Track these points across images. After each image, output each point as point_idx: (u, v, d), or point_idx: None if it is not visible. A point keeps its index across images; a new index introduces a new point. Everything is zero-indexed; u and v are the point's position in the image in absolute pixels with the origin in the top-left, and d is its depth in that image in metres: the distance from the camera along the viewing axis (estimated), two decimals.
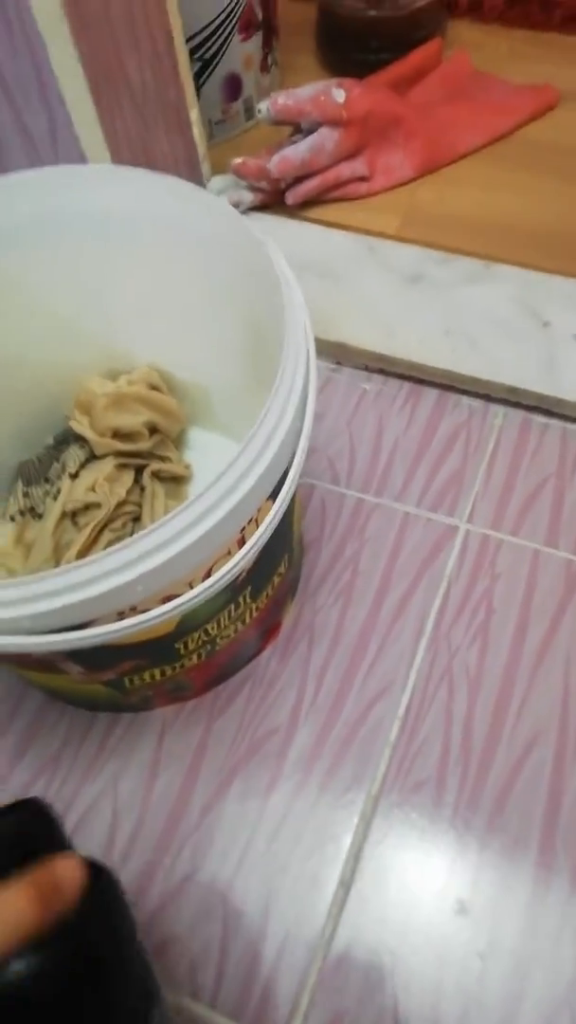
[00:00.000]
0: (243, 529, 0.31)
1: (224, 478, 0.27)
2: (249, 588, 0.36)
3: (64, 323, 0.42)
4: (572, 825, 0.38)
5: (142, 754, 0.41)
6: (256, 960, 0.35)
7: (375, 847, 0.38)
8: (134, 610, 0.29)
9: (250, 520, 0.31)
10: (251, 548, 0.31)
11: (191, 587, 0.30)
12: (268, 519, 0.31)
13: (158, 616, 0.29)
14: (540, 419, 0.49)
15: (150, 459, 0.47)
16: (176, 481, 0.48)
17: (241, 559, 0.30)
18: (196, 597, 0.30)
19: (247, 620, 0.38)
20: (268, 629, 0.43)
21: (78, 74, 0.41)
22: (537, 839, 0.37)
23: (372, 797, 0.39)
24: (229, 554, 0.31)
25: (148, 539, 0.26)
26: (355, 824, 0.38)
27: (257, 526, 0.31)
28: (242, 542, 0.31)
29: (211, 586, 0.30)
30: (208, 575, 0.31)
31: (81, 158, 0.46)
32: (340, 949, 0.36)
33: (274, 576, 0.39)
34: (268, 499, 0.31)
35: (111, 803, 0.39)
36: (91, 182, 0.36)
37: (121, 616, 0.29)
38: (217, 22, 0.55)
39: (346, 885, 0.37)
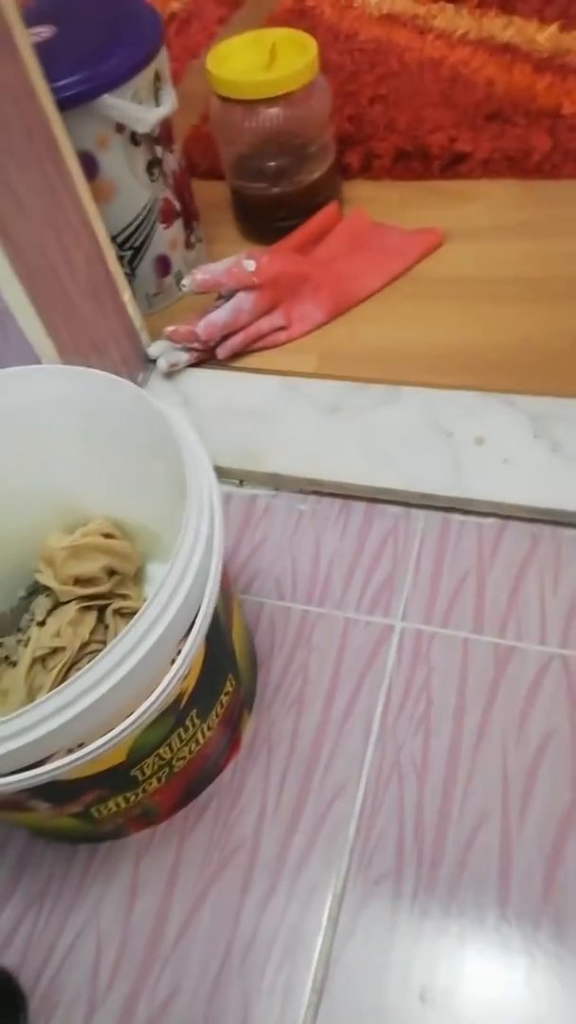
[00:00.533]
0: (173, 659, 0.35)
1: (141, 620, 0.32)
2: (195, 710, 0.40)
3: (24, 492, 0.49)
4: (523, 898, 0.40)
5: (120, 881, 0.43)
6: None
7: (343, 946, 0.40)
8: (82, 745, 0.34)
9: (177, 651, 0.35)
10: (174, 676, 0.35)
11: (129, 716, 0.35)
12: (187, 648, 0.36)
13: (102, 747, 0.33)
14: (457, 517, 0.55)
15: (112, 598, 0.52)
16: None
17: (165, 688, 0.34)
18: (132, 726, 0.34)
19: (200, 740, 0.42)
20: (228, 745, 0.47)
21: (16, 288, 0.49)
22: (492, 918, 0.39)
23: (337, 896, 0.41)
24: (159, 683, 0.36)
25: (79, 682, 0.31)
26: (323, 925, 0.41)
27: (180, 655, 0.36)
28: (172, 665, 0.36)
29: (144, 713, 0.34)
30: (143, 702, 0.35)
31: (29, 349, 0.54)
32: None
33: (221, 695, 0.43)
34: (186, 635, 0.35)
35: (95, 931, 0.42)
36: (26, 381, 0.43)
37: (71, 751, 0.33)
38: (140, 219, 0.64)
39: (319, 990, 0.39)
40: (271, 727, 0.48)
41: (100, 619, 0.51)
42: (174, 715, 0.39)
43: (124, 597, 0.52)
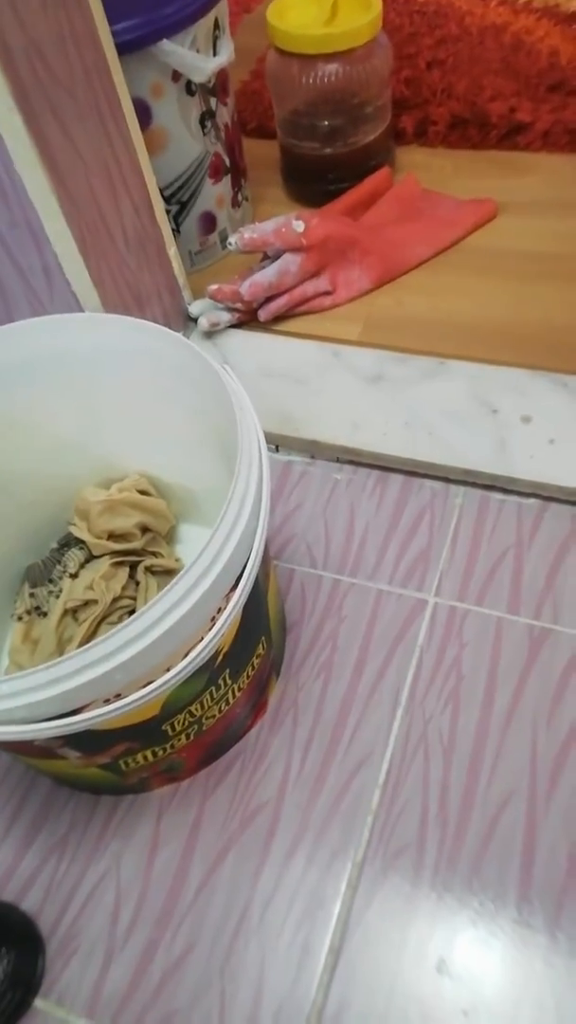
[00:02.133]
0: (213, 617, 0.35)
1: (188, 574, 0.32)
2: (228, 670, 0.40)
3: (64, 443, 0.48)
4: (546, 880, 0.40)
5: (142, 834, 0.44)
6: None
7: (362, 913, 0.40)
8: (119, 696, 0.33)
9: (218, 609, 0.35)
10: (219, 632, 0.35)
11: (167, 671, 0.34)
12: (231, 606, 0.36)
13: (139, 700, 0.33)
14: (497, 496, 0.54)
15: (144, 555, 0.52)
16: (168, 574, 0.53)
17: (207, 646, 0.34)
18: (171, 681, 0.34)
19: (231, 700, 0.42)
20: (255, 707, 0.47)
21: (66, 231, 0.48)
22: (514, 896, 0.39)
23: (357, 864, 0.41)
24: (199, 640, 0.35)
25: (123, 633, 0.31)
26: (343, 891, 0.41)
27: (220, 614, 0.36)
28: (211, 628, 0.36)
29: (183, 670, 0.34)
30: (183, 659, 0.35)
31: (74, 300, 0.53)
32: (332, 1015, 0.37)
33: (253, 658, 0.43)
34: (231, 589, 0.35)
35: (115, 882, 0.42)
36: (80, 328, 0.42)
37: (107, 702, 0.33)
38: (189, 173, 0.63)
39: (335, 952, 0.39)
40: (298, 692, 0.48)
41: (131, 576, 0.51)
42: (208, 673, 0.38)
43: (156, 555, 0.52)
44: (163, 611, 0.31)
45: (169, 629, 0.31)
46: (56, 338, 0.43)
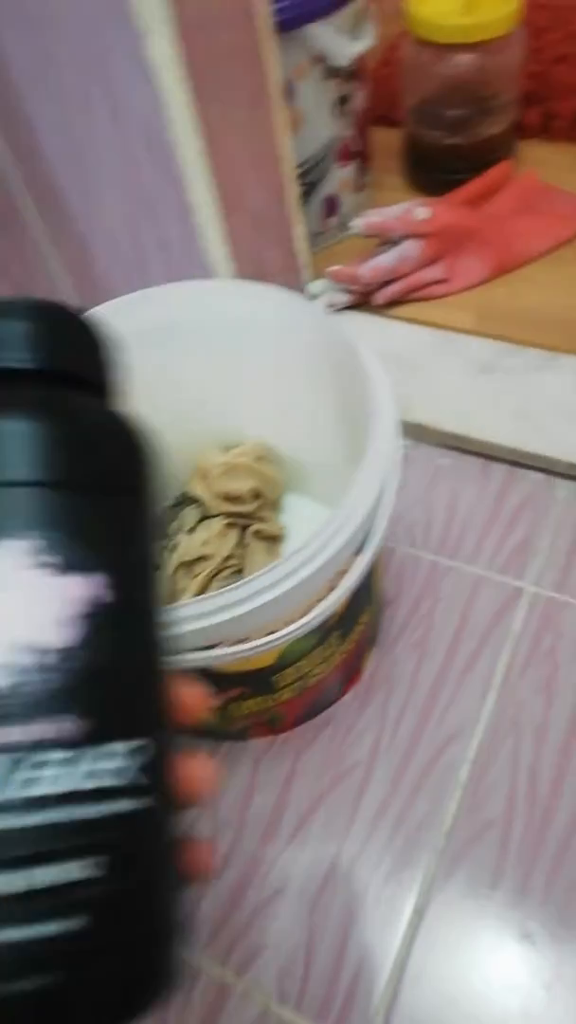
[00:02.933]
0: (333, 579, 0.37)
1: (321, 534, 0.34)
2: (337, 631, 0.42)
3: (191, 406, 0.51)
4: None
5: (239, 779, 0.46)
6: (337, 973, 0.39)
7: (447, 878, 0.41)
8: (246, 639, 0.36)
9: (340, 571, 0.37)
10: (343, 592, 0.37)
11: (288, 624, 0.36)
12: (356, 569, 0.37)
13: (263, 645, 0.35)
14: None
15: (252, 520, 0.54)
16: (272, 540, 0.55)
17: (334, 601, 0.36)
18: (293, 632, 0.36)
19: (334, 661, 0.44)
20: (350, 675, 0.48)
21: (211, 202, 0.50)
22: None
23: (444, 833, 0.43)
24: (321, 599, 0.37)
25: (258, 581, 0.33)
26: (429, 857, 0.42)
27: (344, 576, 0.37)
28: (332, 590, 0.38)
29: (308, 622, 0.36)
30: (304, 615, 0.37)
31: (205, 272, 0.55)
32: (414, 971, 0.39)
33: (357, 624, 0.44)
34: (355, 554, 0.37)
35: (212, 820, 0.45)
36: (222, 294, 0.44)
37: (236, 643, 0.35)
38: (320, 155, 0.65)
39: (420, 912, 0.41)
40: (393, 666, 0.49)
41: (239, 538, 0.53)
42: (321, 633, 0.40)
43: (263, 520, 0.54)
44: (298, 563, 0.33)
45: (304, 580, 0.33)
46: (197, 303, 0.45)
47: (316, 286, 0.65)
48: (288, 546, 0.55)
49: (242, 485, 0.52)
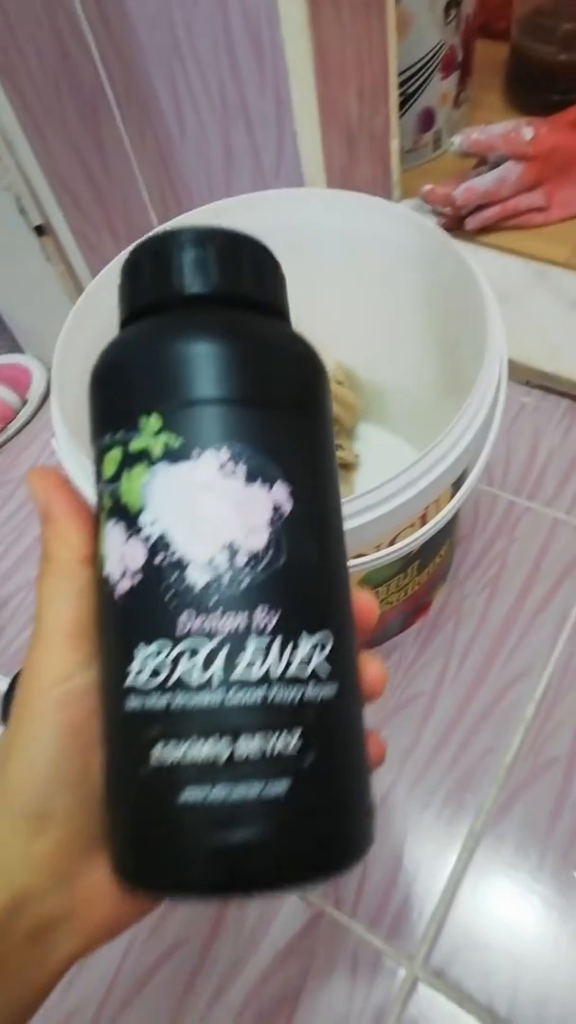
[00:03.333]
0: (426, 509, 0.36)
1: (422, 461, 0.33)
2: (417, 562, 0.41)
3: None
4: None
5: None
6: (392, 883, 0.40)
7: (505, 809, 0.42)
8: None
9: (434, 501, 0.36)
10: (435, 524, 0.36)
11: (377, 550, 0.36)
12: (451, 503, 0.37)
13: (351, 567, 0.35)
14: None
15: None
16: (345, 468, 0.54)
17: (424, 532, 0.36)
18: (382, 557, 0.36)
19: (409, 591, 0.44)
20: (420, 606, 0.48)
21: (313, 111, 0.48)
22: None
23: (505, 766, 0.43)
24: (412, 527, 0.37)
25: (358, 502, 0.32)
26: (489, 784, 0.43)
27: (438, 509, 0.37)
28: (423, 520, 0.37)
29: (396, 550, 0.36)
30: (392, 543, 0.36)
31: (297, 180, 0.53)
32: (468, 890, 0.40)
33: (436, 557, 0.44)
34: (451, 487, 0.36)
35: None
36: (323, 203, 0.42)
37: None
38: (423, 63, 0.61)
39: (476, 836, 0.41)
40: (462, 601, 0.49)
41: None
42: (402, 561, 0.40)
43: (337, 447, 0.53)
44: (398, 488, 0.32)
45: (401, 504, 0.33)
46: (296, 211, 0.43)
47: (407, 206, 0.62)
48: (361, 475, 0.55)
49: None
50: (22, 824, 0.17)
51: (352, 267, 0.45)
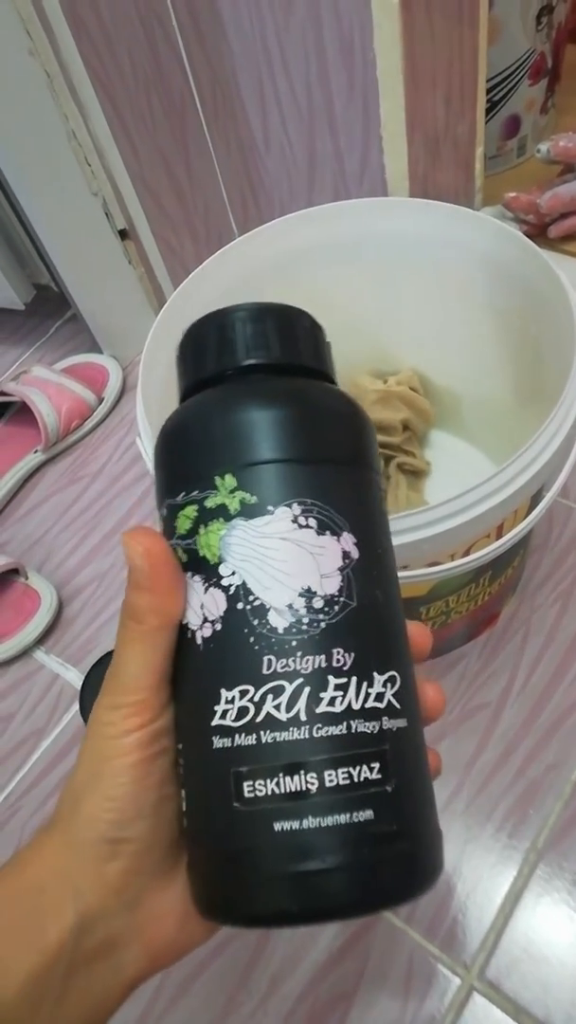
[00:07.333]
0: (503, 521, 0.36)
1: (505, 471, 0.32)
2: (489, 573, 0.41)
3: (352, 327, 0.50)
4: None
5: None
6: (451, 892, 0.40)
7: (570, 826, 0.41)
8: (405, 567, 0.35)
9: (512, 513, 0.36)
10: (511, 537, 0.36)
11: (451, 559, 0.36)
12: (529, 517, 0.36)
13: (424, 575, 0.35)
14: None
15: (398, 452, 0.53)
16: (416, 475, 0.54)
17: (500, 545, 0.35)
18: (456, 567, 0.36)
19: (479, 601, 0.44)
20: (489, 616, 0.48)
21: (400, 118, 0.48)
22: None
23: (572, 782, 0.42)
24: (488, 538, 0.37)
25: (436, 511, 0.32)
26: (554, 801, 0.42)
27: (515, 521, 0.37)
28: (499, 532, 0.37)
29: (470, 561, 0.36)
30: (467, 553, 0.36)
31: (382, 189, 0.53)
32: (529, 904, 0.40)
33: (508, 568, 0.44)
34: (530, 500, 0.36)
35: None
36: (413, 212, 0.43)
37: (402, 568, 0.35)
38: (512, 70, 0.60)
39: (539, 851, 0.41)
40: (532, 613, 0.48)
41: (383, 470, 0.52)
42: (476, 571, 0.40)
43: (409, 454, 0.53)
44: (478, 497, 0.32)
45: (480, 515, 0.33)
46: (381, 220, 0.44)
47: (491, 212, 0.62)
48: (432, 483, 0.55)
49: (394, 415, 0.51)
50: (95, 849, 0.18)
51: (431, 273, 0.45)
